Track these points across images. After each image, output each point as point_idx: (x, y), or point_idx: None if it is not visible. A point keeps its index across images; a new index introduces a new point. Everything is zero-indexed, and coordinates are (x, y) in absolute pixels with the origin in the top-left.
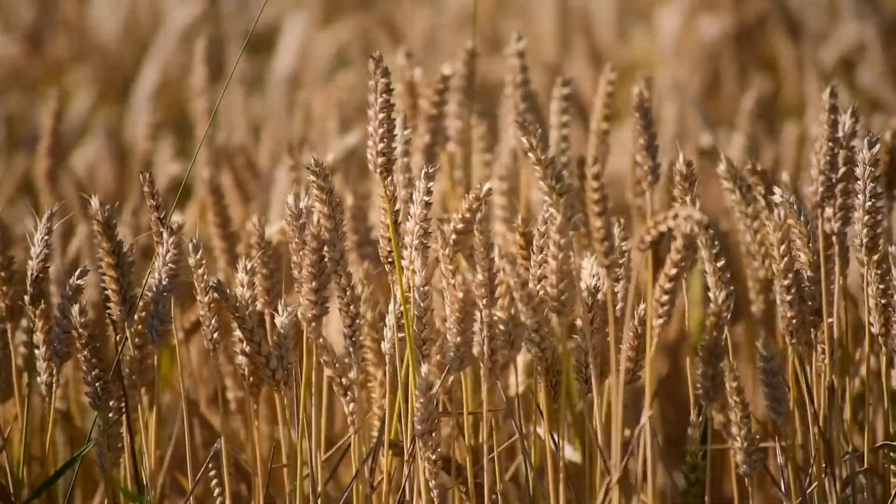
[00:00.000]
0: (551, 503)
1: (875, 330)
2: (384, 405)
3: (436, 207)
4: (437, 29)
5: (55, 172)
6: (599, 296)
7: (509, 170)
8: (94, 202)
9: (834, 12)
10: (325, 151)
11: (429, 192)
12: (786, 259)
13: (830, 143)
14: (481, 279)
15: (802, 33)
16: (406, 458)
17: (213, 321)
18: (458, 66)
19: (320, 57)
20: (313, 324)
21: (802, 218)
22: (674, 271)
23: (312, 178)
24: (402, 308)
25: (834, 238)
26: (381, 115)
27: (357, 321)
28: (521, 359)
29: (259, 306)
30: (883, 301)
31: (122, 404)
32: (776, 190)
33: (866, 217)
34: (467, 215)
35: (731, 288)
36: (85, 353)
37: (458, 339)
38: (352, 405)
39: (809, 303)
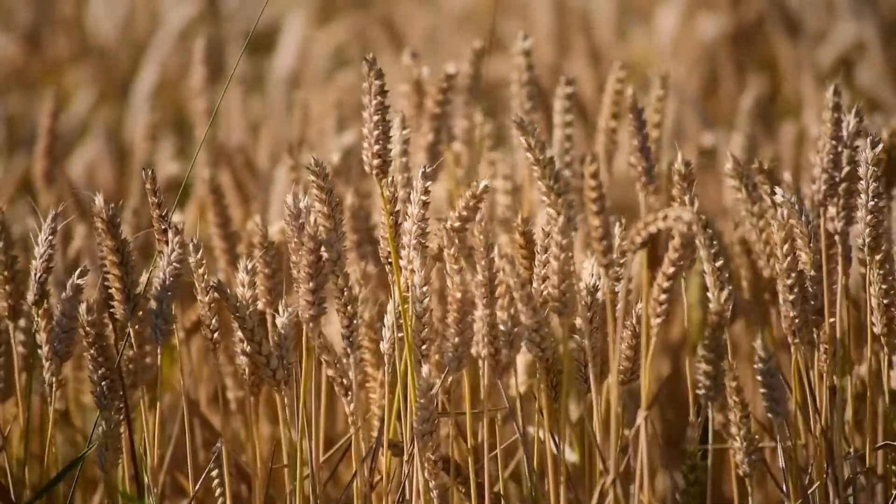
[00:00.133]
0: (551, 503)
1: (877, 330)
2: (383, 405)
3: (442, 207)
4: (436, 29)
5: (53, 172)
6: (599, 295)
7: (514, 169)
8: (98, 200)
9: (832, 12)
10: (323, 151)
11: (426, 191)
12: (789, 258)
13: (834, 142)
14: (481, 279)
15: (801, 33)
16: (405, 457)
17: (213, 321)
18: (463, 65)
19: (319, 57)
20: (311, 324)
21: (803, 218)
22: (672, 270)
23: (312, 177)
24: (400, 308)
25: (837, 237)
26: (375, 118)
27: (355, 321)
28: (522, 359)
29: (260, 306)
30: (885, 301)
31: (123, 404)
32: (777, 190)
33: (869, 217)
34: (464, 213)
35: (731, 287)
36: (92, 351)
37: (457, 339)
38: (352, 405)
39: (812, 302)
